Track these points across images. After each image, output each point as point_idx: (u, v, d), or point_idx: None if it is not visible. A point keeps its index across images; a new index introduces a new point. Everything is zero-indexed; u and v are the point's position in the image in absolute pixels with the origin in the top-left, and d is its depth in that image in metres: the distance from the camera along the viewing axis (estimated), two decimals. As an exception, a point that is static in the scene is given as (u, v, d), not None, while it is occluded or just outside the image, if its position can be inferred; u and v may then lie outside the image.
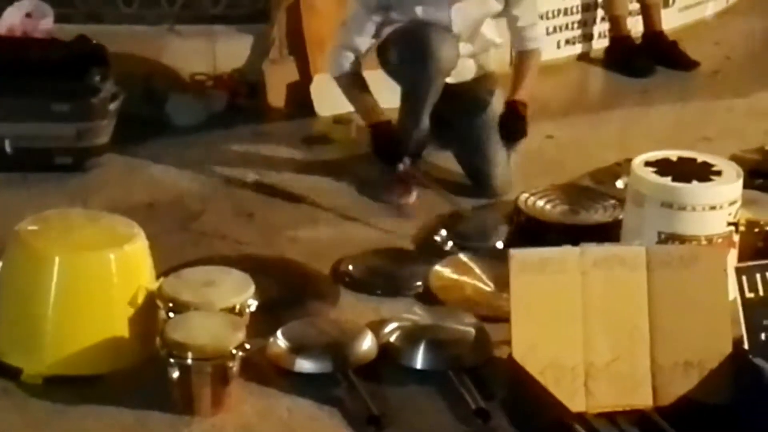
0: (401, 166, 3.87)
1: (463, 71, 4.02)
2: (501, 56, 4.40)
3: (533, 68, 4.09)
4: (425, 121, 3.92)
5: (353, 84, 3.97)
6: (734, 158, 4.03)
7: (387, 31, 3.92)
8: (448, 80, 3.93)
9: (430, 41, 3.79)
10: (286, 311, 3.12)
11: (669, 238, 3.11)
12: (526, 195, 3.77)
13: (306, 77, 4.70)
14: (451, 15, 3.87)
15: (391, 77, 3.99)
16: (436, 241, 3.59)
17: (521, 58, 4.11)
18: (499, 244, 3.59)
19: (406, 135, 3.92)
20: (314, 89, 4.67)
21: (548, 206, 3.74)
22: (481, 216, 3.80)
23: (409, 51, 3.83)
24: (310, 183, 4.06)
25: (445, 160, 4.15)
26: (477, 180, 4.01)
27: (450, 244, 3.57)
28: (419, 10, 3.85)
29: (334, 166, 4.20)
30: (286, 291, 3.26)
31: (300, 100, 4.67)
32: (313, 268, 3.44)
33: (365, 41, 3.93)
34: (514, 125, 3.94)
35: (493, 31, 4.07)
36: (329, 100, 4.60)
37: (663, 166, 3.25)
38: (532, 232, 3.59)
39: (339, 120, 4.53)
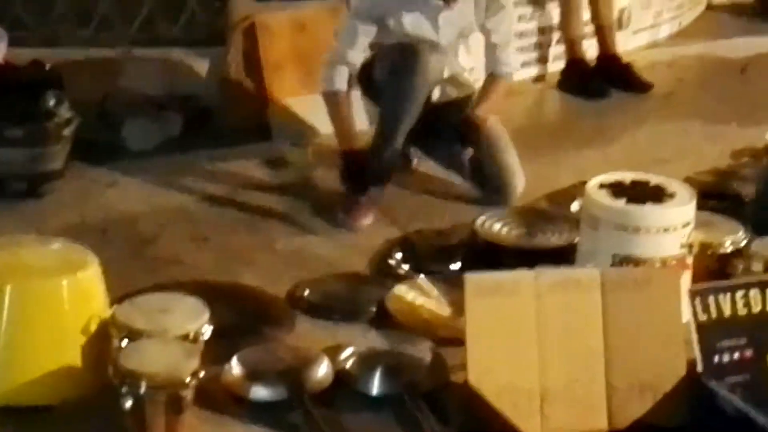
0: (365, 196, 3.89)
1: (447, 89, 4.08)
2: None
3: (499, 92, 4.17)
4: (400, 142, 3.94)
5: (341, 104, 3.97)
6: (688, 180, 4.08)
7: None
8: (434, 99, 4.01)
9: (418, 52, 3.84)
10: (242, 338, 3.10)
11: (623, 261, 3.11)
12: (483, 218, 3.78)
13: (263, 100, 4.69)
14: (438, 23, 3.93)
15: (370, 98, 4.02)
16: (390, 264, 3.58)
17: (491, 79, 4.17)
18: (455, 267, 3.58)
19: (378, 156, 3.92)
20: (271, 112, 4.66)
21: (505, 230, 3.76)
22: (435, 239, 3.79)
23: (399, 61, 3.86)
24: (267, 206, 4.04)
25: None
26: (491, 187, 4.06)
27: (405, 267, 3.56)
28: (409, 18, 3.89)
29: (291, 190, 4.19)
30: (241, 317, 3.24)
31: (257, 122, 4.66)
32: (269, 294, 3.42)
33: (359, 56, 3.94)
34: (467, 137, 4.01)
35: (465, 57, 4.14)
36: (286, 123, 4.61)
37: (617, 189, 3.26)
38: (489, 255, 3.59)
39: (296, 143, 4.52)
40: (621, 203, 3.19)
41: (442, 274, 3.51)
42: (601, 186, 3.28)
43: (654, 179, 3.36)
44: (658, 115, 5.17)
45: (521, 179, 4.07)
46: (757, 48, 6.09)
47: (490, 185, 4.08)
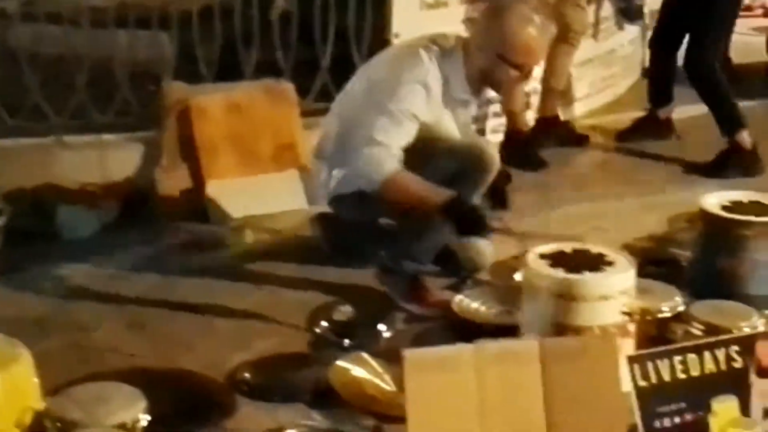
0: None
1: None
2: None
3: None
4: None
5: (405, 177, 3.69)
6: (627, 247, 4.13)
7: None
8: None
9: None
10: (181, 424, 3.04)
11: (563, 330, 3.12)
12: (460, 297, 3.80)
13: (199, 183, 4.68)
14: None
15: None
16: (316, 333, 3.59)
17: None
18: (386, 333, 3.60)
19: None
20: (208, 194, 4.64)
21: (483, 308, 3.77)
22: (360, 303, 3.77)
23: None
24: (205, 290, 4.00)
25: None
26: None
27: (336, 337, 3.57)
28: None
29: (230, 272, 4.16)
30: (180, 403, 3.18)
31: (194, 206, 4.64)
32: (209, 378, 3.38)
33: (408, 127, 3.74)
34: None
35: None
36: (224, 205, 4.59)
37: (557, 258, 3.28)
38: (467, 334, 3.55)
39: (234, 225, 4.50)
40: (560, 273, 3.20)
41: (382, 348, 3.50)
42: (542, 256, 3.29)
43: (594, 248, 3.38)
44: (596, 184, 5.23)
45: (489, 248, 4.05)
46: (689, 112, 6.17)
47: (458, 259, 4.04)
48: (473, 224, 3.73)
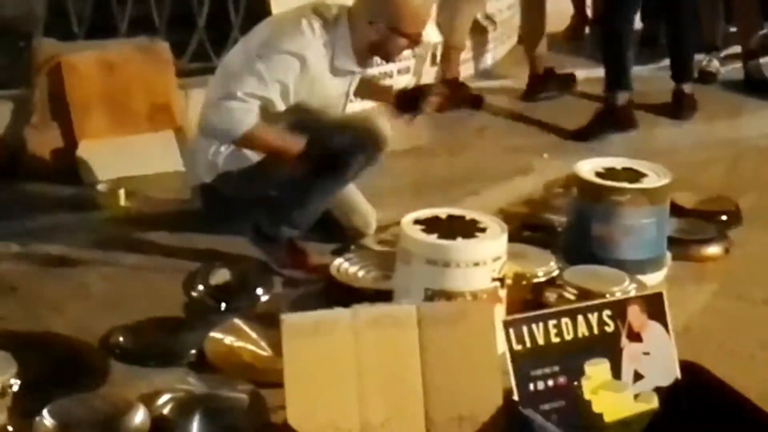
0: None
1: None
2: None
3: None
4: None
5: (265, 128, 3.69)
6: (502, 212, 4.17)
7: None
8: None
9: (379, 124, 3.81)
10: (54, 389, 2.98)
11: (435, 295, 3.15)
12: (339, 261, 3.79)
13: (70, 142, 4.58)
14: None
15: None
16: (193, 296, 3.55)
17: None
18: (263, 297, 3.59)
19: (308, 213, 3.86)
20: (80, 155, 4.55)
21: (361, 272, 3.76)
22: (236, 268, 3.75)
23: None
24: (77, 252, 3.94)
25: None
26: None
27: (213, 301, 3.55)
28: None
29: (103, 233, 4.10)
30: (52, 368, 3.13)
31: (65, 166, 4.55)
32: (81, 342, 3.32)
33: (273, 91, 3.71)
34: None
35: None
36: (96, 165, 4.52)
37: (431, 224, 3.30)
38: (346, 298, 3.54)
39: (107, 186, 4.42)
40: (432, 238, 3.22)
41: (255, 313, 3.51)
42: (416, 222, 3.31)
43: (468, 214, 3.40)
44: (474, 149, 5.25)
45: (373, 214, 4.09)
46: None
47: (341, 226, 4.06)
48: (332, 165, 3.75)
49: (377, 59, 4.05)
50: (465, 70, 6.15)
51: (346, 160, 3.76)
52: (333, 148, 3.72)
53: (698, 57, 6.39)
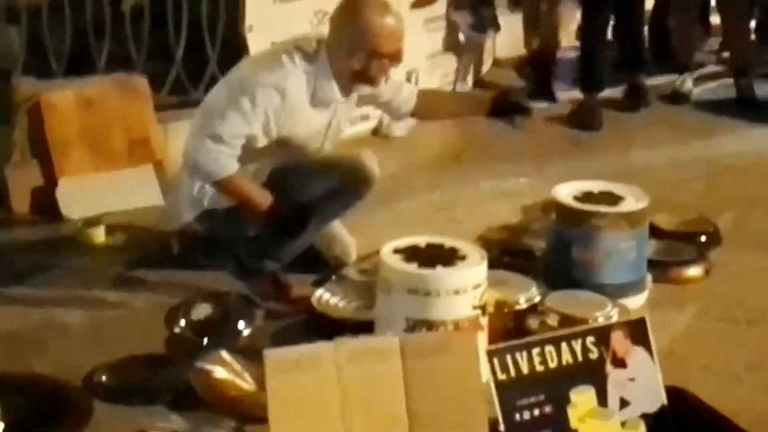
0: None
1: None
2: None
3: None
4: None
5: (243, 178, 3.75)
6: (481, 238, 4.18)
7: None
8: None
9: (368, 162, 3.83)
10: (38, 430, 2.99)
11: (417, 324, 3.15)
12: (320, 292, 3.78)
13: (51, 180, 4.58)
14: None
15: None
16: (175, 332, 3.55)
17: (425, 95, 4.25)
18: (245, 331, 3.59)
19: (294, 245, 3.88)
20: (60, 192, 4.55)
21: (342, 303, 3.76)
22: (218, 302, 3.75)
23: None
24: (58, 290, 3.93)
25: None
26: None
27: (195, 336, 3.54)
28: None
29: (83, 270, 4.09)
30: (36, 408, 3.11)
31: (46, 203, 4.54)
32: (64, 381, 3.30)
33: (257, 127, 3.73)
34: None
35: None
36: (76, 202, 4.51)
37: (411, 253, 3.30)
38: (327, 330, 3.54)
39: (88, 223, 4.41)
40: (412, 267, 3.23)
41: (241, 347, 3.48)
42: (395, 251, 3.31)
43: (448, 242, 3.41)
44: (451, 175, 5.25)
45: (353, 244, 4.11)
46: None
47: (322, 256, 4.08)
48: (295, 225, 3.80)
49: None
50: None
51: (333, 200, 3.79)
52: (314, 197, 3.75)
53: (672, 77, 6.48)
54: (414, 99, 4.16)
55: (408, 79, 5.81)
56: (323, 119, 3.88)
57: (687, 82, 6.46)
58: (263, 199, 3.75)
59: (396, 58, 3.84)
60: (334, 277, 3.96)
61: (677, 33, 6.62)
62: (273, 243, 3.85)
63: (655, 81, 6.61)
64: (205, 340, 3.53)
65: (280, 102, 3.71)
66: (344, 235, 4.10)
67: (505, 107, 4.24)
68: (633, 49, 6.36)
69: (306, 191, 3.76)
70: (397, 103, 4.14)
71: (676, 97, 6.41)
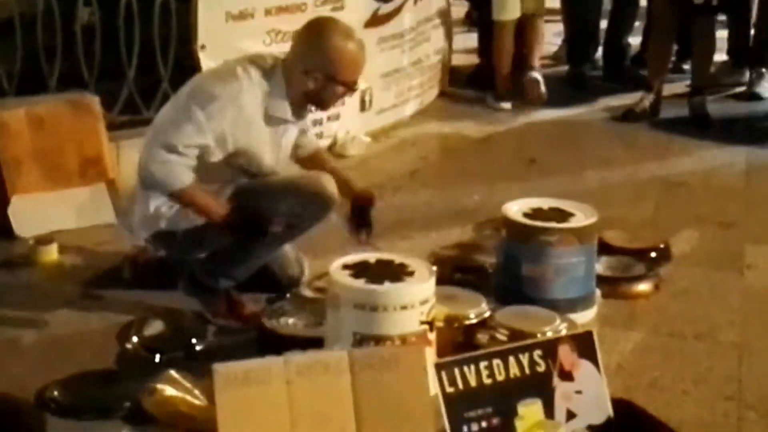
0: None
1: None
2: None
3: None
4: None
5: (200, 188, 3.73)
6: (433, 255, 4.20)
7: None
8: None
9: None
10: (-11, 447, 2.98)
11: (364, 339, 3.16)
12: (271, 309, 3.79)
13: (3, 199, 4.56)
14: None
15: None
16: (127, 348, 3.55)
17: (317, 154, 4.18)
18: (197, 347, 3.60)
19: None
20: (12, 210, 4.54)
21: (292, 320, 3.76)
22: (170, 318, 3.76)
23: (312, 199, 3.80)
24: (10, 308, 3.91)
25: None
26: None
27: (147, 352, 3.55)
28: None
29: (38, 288, 4.09)
30: (-13, 425, 3.12)
31: (-2, 222, 4.53)
32: (16, 398, 3.28)
33: (211, 138, 3.70)
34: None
35: None
36: (29, 220, 4.50)
37: (360, 269, 3.32)
38: (277, 347, 3.53)
39: (41, 241, 4.40)
40: (360, 283, 3.25)
41: (190, 363, 3.49)
42: (345, 267, 3.33)
43: (398, 258, 3.43)
44: (405, 192, 5.29)
45: (306, 263, 4.12)
46: (496, 125, 6.37)
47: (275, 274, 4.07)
48: (253, 231, 3.78)
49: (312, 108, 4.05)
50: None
51: (293, 223, 3.80)
52: (275, 214, 3.76)
53: (632, 96, 6.57)
54: (310, 149, 4.16)
55: (362, 99, 5.87)
56: (274, 137, 3.89)
57: (644, 101, 6.55)
58: (220, 208, 3.73)
59: (351, 87, 3.85)
60: (288, 295, 3.97)
61: (651, 54, 6.75)
62: (228, 261, 3.86)
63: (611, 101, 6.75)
64: (158, 356, 3.54)
65: (236, 114, 3.70)
66: (296, 252, 4.11)
67: (358, 215, 4.10)
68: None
69: (266, 213, 3.77)
70: (300, 142, 4.10)
71: (633, 116, 6.51)
